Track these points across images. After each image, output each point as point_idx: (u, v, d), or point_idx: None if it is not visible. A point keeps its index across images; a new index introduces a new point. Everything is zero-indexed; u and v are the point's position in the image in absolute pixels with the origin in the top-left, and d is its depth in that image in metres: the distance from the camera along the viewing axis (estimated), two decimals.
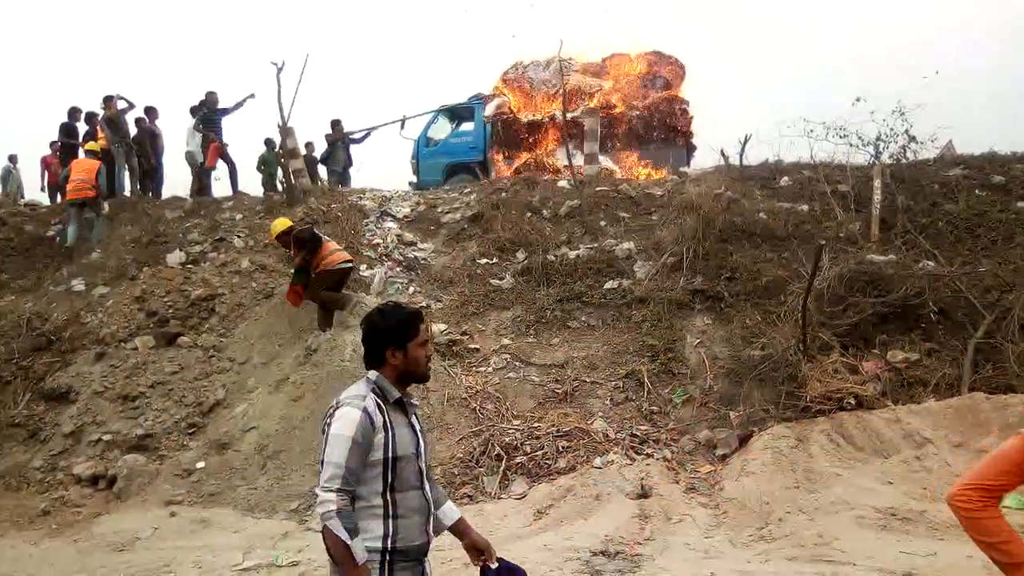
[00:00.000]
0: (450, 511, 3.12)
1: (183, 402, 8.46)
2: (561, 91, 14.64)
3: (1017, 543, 2.43)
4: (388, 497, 2.80)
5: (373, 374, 2.93)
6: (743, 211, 11.07)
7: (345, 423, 2.75)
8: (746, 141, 12.35)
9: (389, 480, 2.80)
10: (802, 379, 7.85)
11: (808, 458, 7.10)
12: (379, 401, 2.85)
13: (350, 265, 9.31)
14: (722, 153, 12.84)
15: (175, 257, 10.97)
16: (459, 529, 3.12)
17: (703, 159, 15.92)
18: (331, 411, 2.83)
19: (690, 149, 17.07)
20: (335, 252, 9.12)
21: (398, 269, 10.85)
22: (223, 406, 8.46)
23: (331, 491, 2.70)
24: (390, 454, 2.79)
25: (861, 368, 7.95)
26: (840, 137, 11.29)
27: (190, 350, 9.19)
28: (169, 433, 8.20)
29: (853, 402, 7.57)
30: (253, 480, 7.54)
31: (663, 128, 16.62)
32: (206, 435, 8.18)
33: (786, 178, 12.16)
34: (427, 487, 2.95)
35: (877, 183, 10.29)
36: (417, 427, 3.00)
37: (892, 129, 11.13)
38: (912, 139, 11.24)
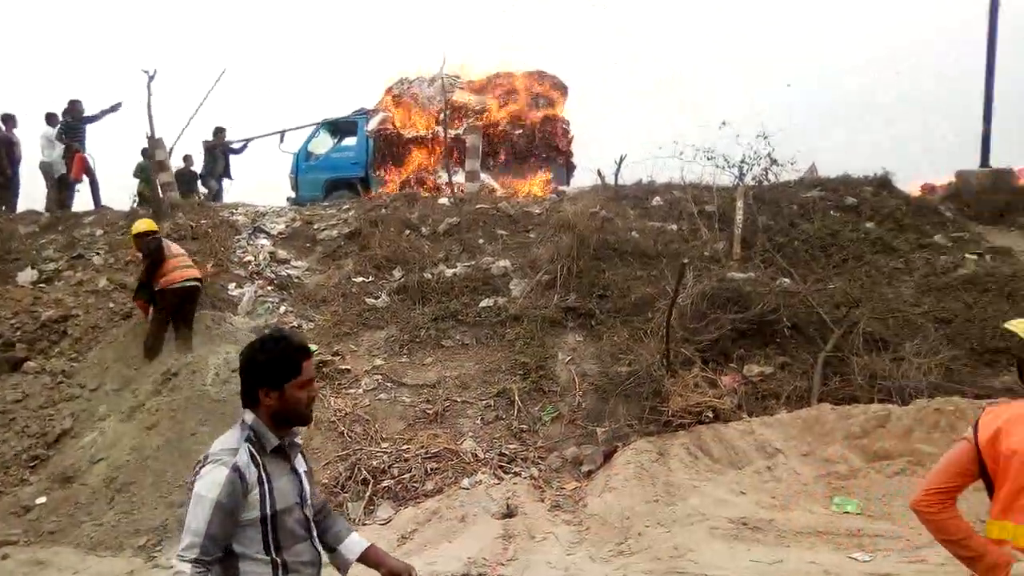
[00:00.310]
0: (355, 543, 2.94)
1: (25, 433, 7.97)
2: (444, 107, 14.70)
3: (975, 538, 2.69)
4: (274, 556, 2.60)
5: (249, 416, 2.66)
6: (616, 230, 11.37)
7: (210, 483, 2.50)
8: (621, 162, 12.74)
9: (271, 538, 2.59)
10: (665, 394, 8.09)
11: (668, 472, 7.32)
12: (254, 452, 2.59)
13: (194, 284, 8.97)
14: (599, 173, 13.20)
15: (26, 275, 10.37)
16: (372, 559, 2.93)
17: (584, 179, 16.32)
18: (198, 466, 2.59)
19: (570, 168, 17.45)
20: (178, 269, 8.77)
21: (269, 288, 10.60)
22: (70, 436, 8.02)
23: (186, 561, 2.48)
24: (268, 511, 2.57)
25: (720, 382, 8.27)
26: (708, 159, 11.78)
27: (36, 376, 8.68)
28: (7, 467, 7.70)
29: (711, 415, 7.86)
30: (99, 515, 7.16)
31: (544, 147, 16.92)
32: (49, 468, 7.72)
33: (658, 198, 12.57)
34: (315, 536, 2.77)
35: (740, 204, 10.78)
36: (301, 470, 2.79)
37: (755, 152, 11.70)
38: (774, 162, 11.85)
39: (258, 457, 2.59)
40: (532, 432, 8.28)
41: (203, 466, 2.57)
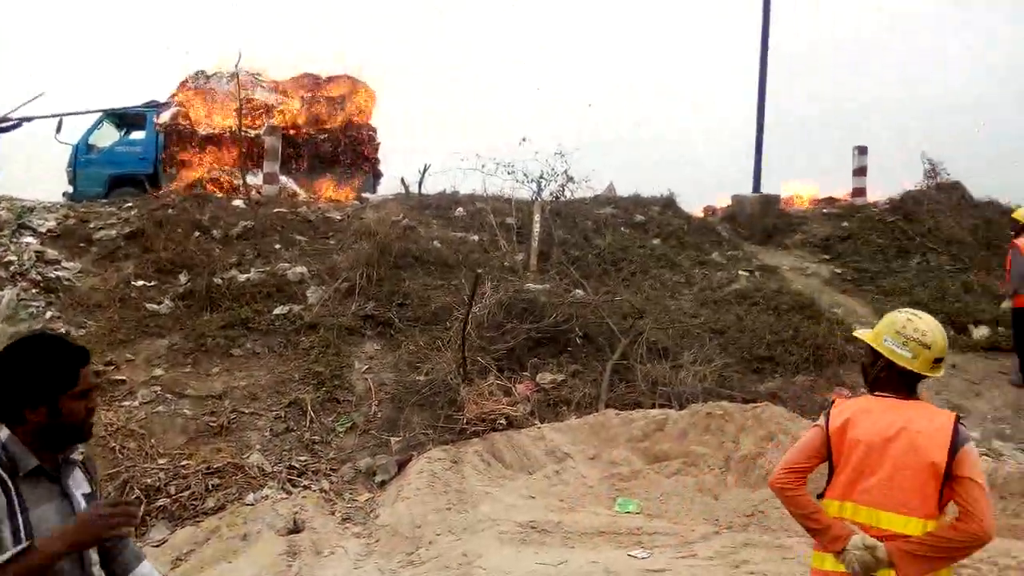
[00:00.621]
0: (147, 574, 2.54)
1: None
2: (239, 105, 14.06)
3: (822, 512, 3.03)
4: None
5: (4, 433, 2.24)
6: (419, 239, 11.36)
7: None
8: (425, 171, 12.76)
9: None
10: (461, 402, 8.15)
11: (461, 479, 7.35)
12: (4, 476, 2.18)
13: None
14: (402, 181, 13.15)
15: None
16: None
17: (391, 187, 16.18)
18: None
19: (376, 176, 17.25)
20: None
21: (35, 291, 9.61)
22: None
23: None
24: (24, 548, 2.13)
25: (514, 390, 8.44)
26: (508, 173, 12.05)
27: None
28: None
29: (505, 423, 8.00)
30: None
31: (350, 153, 16.62)
32: None
33: (461, 209, 12.71)
34: (93, 571, 2.34)
35: (537, 217, 11.12)
36: (79, 492, 2.38)
37: (553, 169, 12.11)
38: (570, 179, 12.32)
39: (9, 483, 2.18)
40: (325, 443, 8.04)
41: None
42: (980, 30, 42.17)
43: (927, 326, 3.07)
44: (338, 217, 12.20)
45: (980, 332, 10.03)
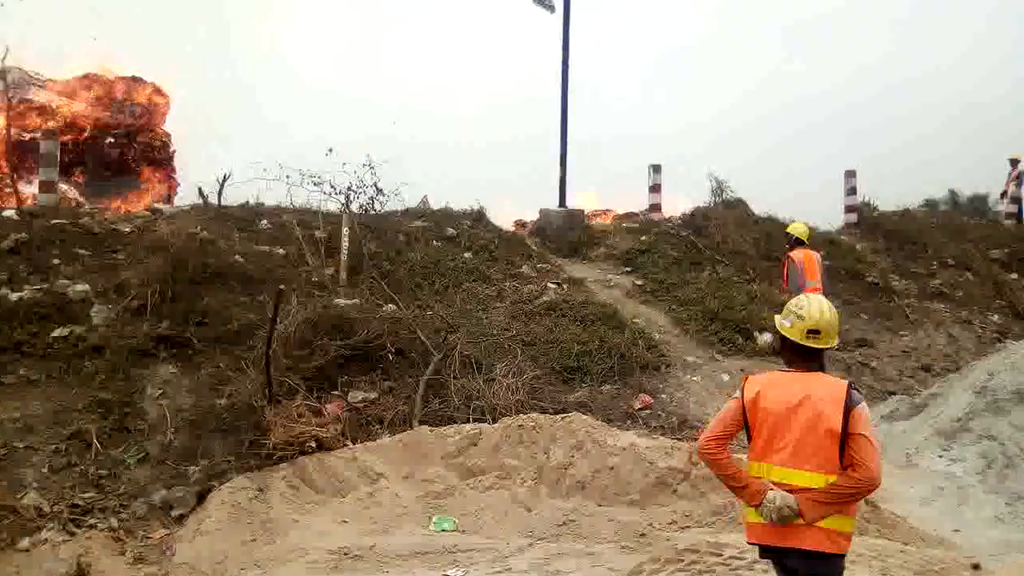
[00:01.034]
0: None
1: None
2: (6, 105, 12.71)
3: (742, 472, 3.61)
4: None
5: None
6: (219, 252, 10.70)
7: None
8: (224, 180, 12.04)
9: None
10: (266, 426, 7.75)
11: (267, 508, 6.99)
12: None
13: None
14: (200, 191, 12.34)
15: None
16: None
17: (188, 197, 15.16)
18: None
19: (172, 185, 16.15)
20: None
21: None
22: None
23: None
24: None
25: (324, 410, 8.15)
26: (315, 184, 11.64)
27: None
28: None
29: (315, 445, 7.69)
30: None
31: (141, 160, 15.47)
32: None
33: (265, 221, 12.14)
34: None
35: (345, 231, 10.83)
36: None
37: (362, 180, 11.83)
38: (379, 191, 12.08)
39: None
40: (113, 477, 7.36)
41: None
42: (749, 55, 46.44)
43: (808, 302, 3.70)
44: (127, 230, 11.25)
45: (764, 338, 10.89)
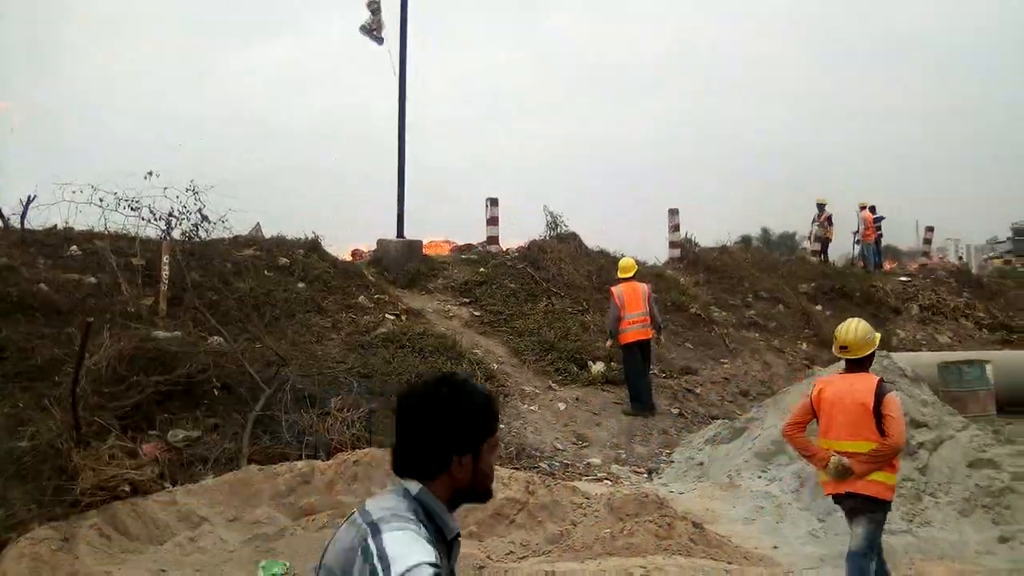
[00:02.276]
0: None
1: None
2: None
3: (813, 446, 5.24)
4: None
5: (415, 487, 1.93)
6: (20, 280, 9.78)
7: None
8: (29, 202, 11.05)
9: None
10: (73, 469, 7.06)
11: (73, 559, 6.32)
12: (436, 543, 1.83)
13: None
14: (0, 214, 11.26)
15: None
16: None
17: None
18: (368, 545, 1.77)
19: None
20: None
21: None
22: None
23: None
24: None
25: (140, 451, 7.55)
26: (132, 209, 10.88)
27: None
28: None
29: (128, 489, 7.08)
30: None
31: None
32: None
33: (75, 247, 11.22)
34: None
35: (165, 258, 10.19)
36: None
37: (185, 206, 11.18)
38: (204, 218, 11.45)
39: (443, 557, 1.85)
40: None
41: (380, 537, 1.77)
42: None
43: (846, 325, 5.26)
44: None
45: (597, 368, 11.22)
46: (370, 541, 1.81)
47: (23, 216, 11.17)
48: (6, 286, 9.46)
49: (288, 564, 6.60)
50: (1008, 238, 33.11)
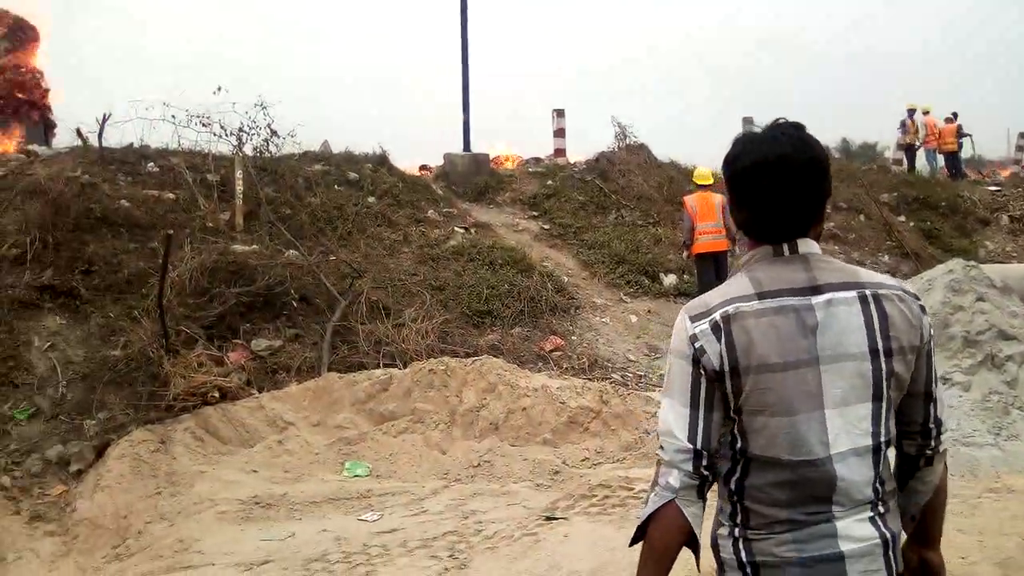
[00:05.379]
0: None
1: None
2: None
3: None
4: None
5: (814, 246, 1.82)
6: (103, 198, 10.06)
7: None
8: (104, 121, 11.25)
9: None
10: (165, 376, 7.41)
11: (171, 460, 6.71)
12: None
13: None
14: (78, 132, 11.52)
15: None
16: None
17: (66, 139, 14.14)
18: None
19: (49, 126, 15.02)
20: None
21: None
22: None
23: None
24: None
25: (226, 360, 7.85)
26: (203, 125, 11.02)
27: None
28: None
29: (217, 395, 7.41)
30: None
31: (11, 99, 14.31)
32: None
33: (152, 164, 11.46)
34: None
35: (239, 173, 10.34)
36: None
37: (255, 122, 11.24)
38: (274, 133, 11.50)
39: None
40: (3, 434, 6.92)
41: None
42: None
43: None
44: (0, 174, 10.46)
45: (669, 280, 11.13)
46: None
47: (100, 134, 11.40)
48: (90, 203, 9.74)
49: (370, 466, 6.89)
50: None
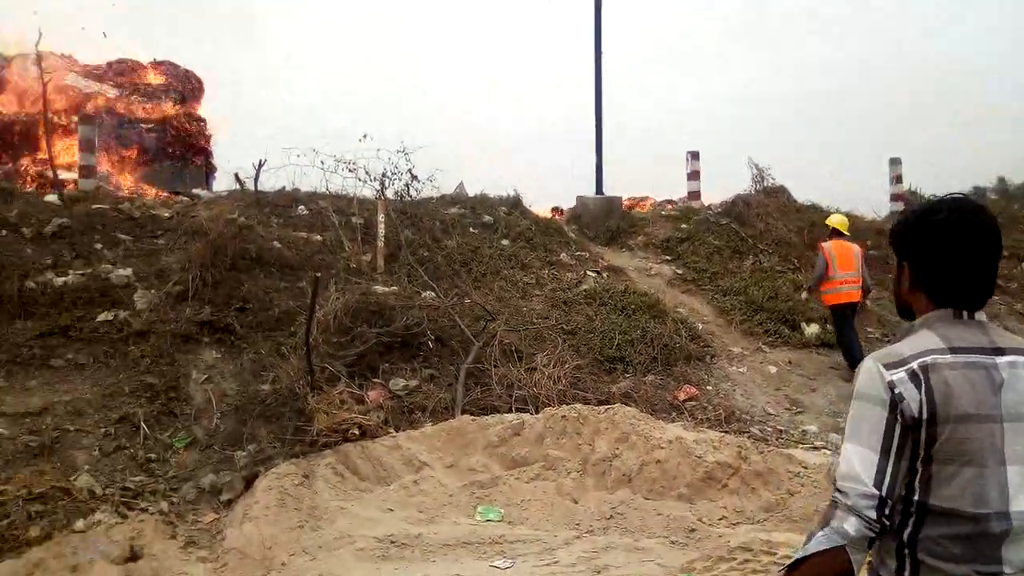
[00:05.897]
0: None
1: None
2: (43, 89, 12.81)
3: None
4: None
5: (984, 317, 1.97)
6: (257, 238, 10.71)
7: None
8: (261, 166, 12.04)
9: None
10: (310, 412, 7.73)
11: (313, 494, 6.96)
12: None
13: None
14: (236, 177, 12.37)
15: None
16: None
17: (225, 183, 15.21)
18: None
19: (210, 171, 16.20)
20: None
21: None
22: None
23: None
24: None
25: (366, 398, 8.11)
26: (349, 171, 11.60)
27: None
28: None
29: (358, 432, 7.65)
30: None
31: (179, 146, 15.53)
32: None
33: (302, 207, 12.13)
34: None
35: (381, 217, 10.78)
36: None
37: (396, 167, 11.74)
38: (415, 177, 11.97)
39: None
40: (162, 461, 7.41)
41: None
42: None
43: None
44: (167, 215, 11.32)
45: (811, 330, 10.69)
46: None
47: (256, 179, 12.19)
48: (246, 243, 10.38)
49: (502, 511, 6.91)
50: None
